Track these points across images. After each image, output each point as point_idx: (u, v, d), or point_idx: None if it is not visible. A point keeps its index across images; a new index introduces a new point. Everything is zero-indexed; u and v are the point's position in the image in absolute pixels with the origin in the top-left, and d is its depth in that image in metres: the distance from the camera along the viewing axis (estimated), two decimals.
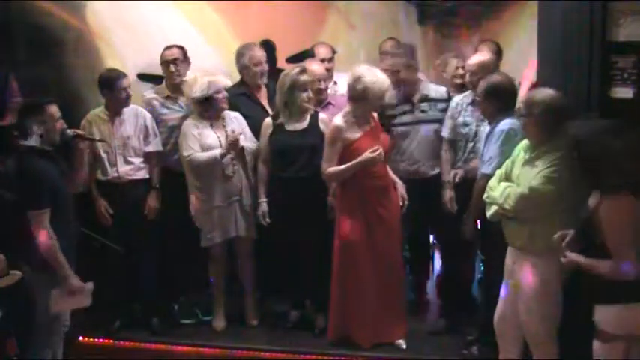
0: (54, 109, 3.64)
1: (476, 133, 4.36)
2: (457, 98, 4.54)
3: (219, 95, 4.45)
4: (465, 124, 4.40)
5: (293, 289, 4.69)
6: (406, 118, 4.63)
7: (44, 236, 3.48)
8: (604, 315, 3.08)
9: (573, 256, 3.10)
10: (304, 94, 4.40)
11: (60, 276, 3.54)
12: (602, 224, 2.97)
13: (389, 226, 4.28)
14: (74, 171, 3.82)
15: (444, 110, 4.55)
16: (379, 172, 4.25)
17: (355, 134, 4.20)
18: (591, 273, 3.04)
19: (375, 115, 4.35)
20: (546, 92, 3.45)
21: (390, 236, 4.30)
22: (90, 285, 3.71)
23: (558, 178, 3.33)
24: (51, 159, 3.62)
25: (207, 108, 4.48)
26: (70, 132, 3.71)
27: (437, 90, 4.70)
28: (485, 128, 4.15)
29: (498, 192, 3.51)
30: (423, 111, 4.60)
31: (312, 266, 4.49)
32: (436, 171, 4.60)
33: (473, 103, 4.39)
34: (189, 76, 4.79)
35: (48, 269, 3.53)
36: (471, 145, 4.40)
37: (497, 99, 3.91)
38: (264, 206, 4.50)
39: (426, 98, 4.62)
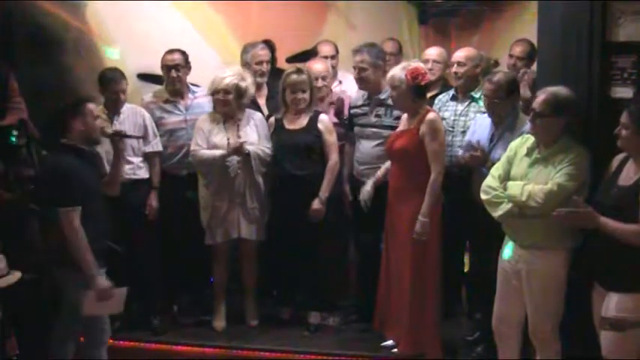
0: (93, 107, 3.65)
1: (453, 127, 4.40)
2: (440, 96, 4.58)
3: (217, 96, 4.45)
4: (442, 119, 4.36)
5: (287, 287, 4.70)
6: (362, 120, 4.49)
7: (73, 235, 3.45)
8: (628, 304, 3.09)
9: (602, 218, 3.11)
10: (294, 95, 4.43)
11: (87, 276, 3.50)
12: None
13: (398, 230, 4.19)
14: (114, 171, 3.83)
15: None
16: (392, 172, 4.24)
17: None
18: (614, 236, 3.07)
19: None
20: (566, 90, 3.43)
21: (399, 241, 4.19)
22: (123, 290, 3.69)
23: (579, 175, 3.35)
24: (87, 158, 3.61)
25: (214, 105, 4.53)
26: (109, 130, 3.70)
27: None
28: (463, 122, 4.32)
29: (516, 191, 3.44)
30: (377, 116, 4.38)
31: (307, 264, 4.52)
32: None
33: (453, 98, 4.48)
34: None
35: (76, 269, 3.48)
36: (449, 138, 4.37)
37: (517, 95, 3.95)
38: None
39: (382, 103, 4.39)
